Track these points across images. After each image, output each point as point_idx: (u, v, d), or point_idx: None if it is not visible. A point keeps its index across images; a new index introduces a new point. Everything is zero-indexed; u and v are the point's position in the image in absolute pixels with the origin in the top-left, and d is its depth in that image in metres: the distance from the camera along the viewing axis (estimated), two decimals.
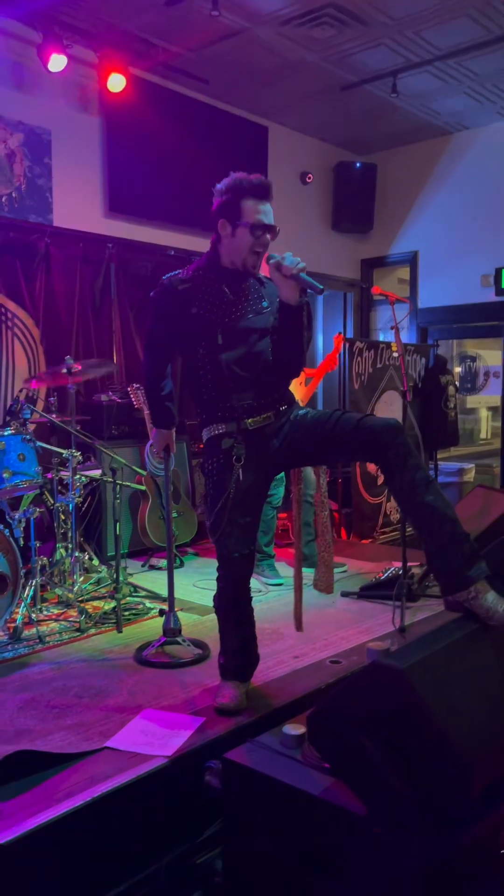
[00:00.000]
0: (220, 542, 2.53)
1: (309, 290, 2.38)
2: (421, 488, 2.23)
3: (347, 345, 5.46)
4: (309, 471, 4.44)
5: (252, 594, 2.68)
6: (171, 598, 3.18)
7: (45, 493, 3.96)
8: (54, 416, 4.02)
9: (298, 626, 2.89)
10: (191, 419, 5.26)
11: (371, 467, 5.71)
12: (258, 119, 6.23)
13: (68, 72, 4.74)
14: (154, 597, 3.88)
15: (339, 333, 4.75)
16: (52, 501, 3.94)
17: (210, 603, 2.69)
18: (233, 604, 2.61)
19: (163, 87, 5.47)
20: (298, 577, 2.89)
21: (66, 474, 3.82)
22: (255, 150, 6.07)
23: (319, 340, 7.45)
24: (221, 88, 5.69)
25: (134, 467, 4.13)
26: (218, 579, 2.61)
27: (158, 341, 2.68)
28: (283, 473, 4.27)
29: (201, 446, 2.71)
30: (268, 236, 2.46)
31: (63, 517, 3.95)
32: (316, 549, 3.01)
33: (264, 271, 2.57)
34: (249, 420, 2.50)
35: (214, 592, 2.66)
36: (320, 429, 2.46)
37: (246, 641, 2.67)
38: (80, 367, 3.84)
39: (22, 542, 3.38)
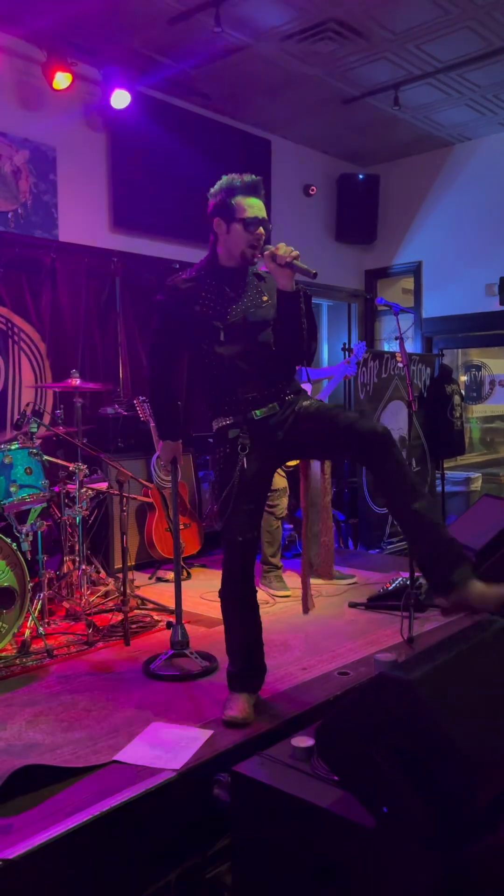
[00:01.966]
0: (225, 527, 2.60)
1: (304, 277, 2.45)
2: (408, 496, 2.37)
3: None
4: (316, 478, 4.50)
5: (259, 605, 2.71)
6: (178, 611, 3.18)
7: (52, 506, 3.97)
8: (61, 429, 4.03)
9: (305, 609, 3.02)
10: (197, 431, 5.28)
11: None
12: (261, 133, 6.28)
13: (73, 89, 4.79)
14: (161, 609, 3.88)
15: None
16: (60, 515, 3.95)
17: (217, 615, 2.70)
18: (235, 587, 2.65)
19: (166, 103, 5.52)
20: (305, 565, 3.04)
21: (72, 487, 3.83)
22: (259, 164, 6.10)
23: (324, 350, 7.46)
24: (224, 103, 5.74)
25: (140, 479, 4.15)
26: (223, 563, 2.66)
27: (164, 345, 2.74)
28: (286, 485, 4.32)
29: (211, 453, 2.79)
30: (261, 229, 2.55)
31: (70, 530, 3.96)
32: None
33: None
34: (256, 411, 2.58)
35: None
36: (320, 424, 2.55)
37: (250, 634, 2.69)
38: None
39: (29, 556, 3.39)
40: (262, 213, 2.55)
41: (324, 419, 2.53)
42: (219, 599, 2.71)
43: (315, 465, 4.43)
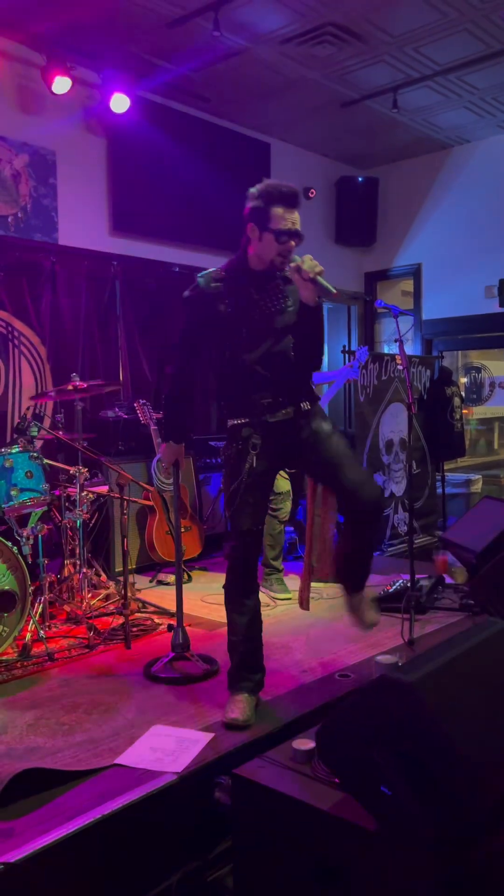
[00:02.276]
0: (232, 517, 2.68)
1: (322, 295, 2.50)
2: (372, 535, 2.82)
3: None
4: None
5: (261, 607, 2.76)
6: (179, 614, 3.18)
7: (53, 509, 3.97)
8: (61, 433, 4.04)
9: (304, 605, 3.21)
10: (198, 434, 5.28)
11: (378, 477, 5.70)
12: (260, 136, 6.29)
13: (72, 93, 4.80)
14: (162, 612, 3.88)
15: None
16: (60, 518, 3.95)
17: (218, 618, 2.72)
18: (238, 578, 2.71)
19: (166, 107, 5.54)
20: (307, 560, 3.16)
21: (73, 491, 3.83)
22: (258, 167, 6.11)
23: (325, 353, 7.46)
24: (224, 106, 5.75)
25: (141, 483, 4.15)
26: (228, 555, 2.71)
27: (191, 341, 2.75)
28: (289, 488, 4.33)
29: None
30: (292, 242, 2.57)
31: (71, 533, 3.96)
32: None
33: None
34: (270, 416, 2.64)
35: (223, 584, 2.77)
36: (326, 466, 2.67)
37: (251, 630, 2.71)
38: (85, 385, 3.87)
39: (30, 559, 3.39)
40: (297, 226, 2.57)
41: (332, 462, 2.65)
42: (220, 603, 2.76)
43: None
